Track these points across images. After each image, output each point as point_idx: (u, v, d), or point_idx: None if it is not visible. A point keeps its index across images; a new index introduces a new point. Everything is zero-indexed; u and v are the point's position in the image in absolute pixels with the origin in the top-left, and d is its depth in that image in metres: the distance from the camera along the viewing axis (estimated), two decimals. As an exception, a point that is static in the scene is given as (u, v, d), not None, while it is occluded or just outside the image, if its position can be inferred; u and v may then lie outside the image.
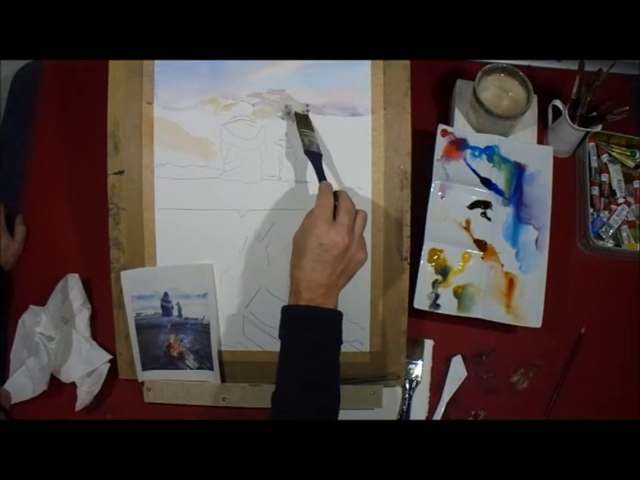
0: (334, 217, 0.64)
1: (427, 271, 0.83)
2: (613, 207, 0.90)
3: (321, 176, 0.70)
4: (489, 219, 0.85)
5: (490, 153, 0.86)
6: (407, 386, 0.83)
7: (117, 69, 0.78)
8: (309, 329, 0.64)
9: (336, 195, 0.67)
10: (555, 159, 0.86)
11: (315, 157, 0.73)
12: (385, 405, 0.82)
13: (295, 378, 0.63)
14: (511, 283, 0.83)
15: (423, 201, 0.83)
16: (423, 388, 0.83)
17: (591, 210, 0.89)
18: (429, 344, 0.85)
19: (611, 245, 0.89)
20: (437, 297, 0.82)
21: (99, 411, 0.82)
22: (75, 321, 0.84)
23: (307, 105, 0.77)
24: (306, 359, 0.63)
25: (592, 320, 0.87)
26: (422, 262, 0.82)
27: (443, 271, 0.83)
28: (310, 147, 0.73)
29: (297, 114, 0.76)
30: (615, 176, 0.92)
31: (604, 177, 0.92)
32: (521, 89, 0.89)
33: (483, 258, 0.83)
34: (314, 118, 0.77)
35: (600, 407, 0.83)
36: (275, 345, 0.79)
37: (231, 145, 0.78)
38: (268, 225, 0.78)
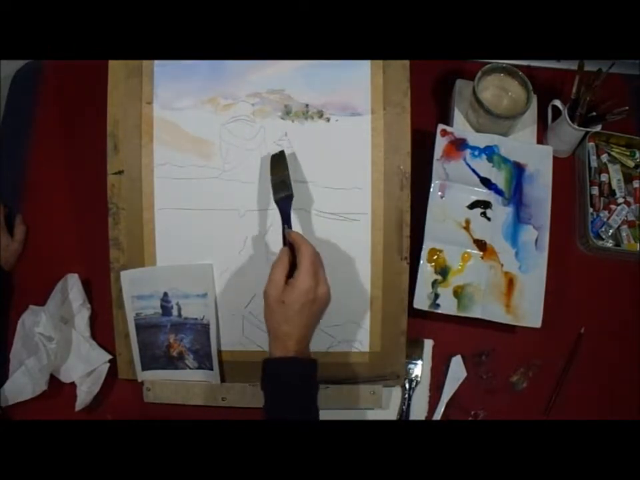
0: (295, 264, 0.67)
1: (426, 270, 0.83)
2: (613, 206, 0.90)
3: (289, 222, 0.70)
4: (488, 219, 0.85)
5: (490, 152, 0.86)
6: (407, 386, 0.83)
7: (117, 68, 0.78)
8: (300, 381, 0.65)
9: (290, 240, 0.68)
10: (555, 158, 0.86)
11: (286, 202, 0.71)
12: (385, 405, 0.82)
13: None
14: (510, 283, 0.83)
15: (423, 201, 0.83)
16: (422, 388, 0.83)
17: (591, 210, 0.89)
18: (428, 344, 0.85)
19: (611, 244, 0.89)
20: (437, 296, 0.82)
21: (98, 411, 0.82)
22: (75, 321, 0.84)
23: (307, 105, 0.77)
24: (295, 411, 0.64)
25: (591, 320, 0.87)
26: (422, 262, 0.82)
27: (443, 271, 0.83)
28: (282, 193, 0.71)
29: (273, 156, 0.74)
30: (614, 176, 0.92)
31: (604, 177, 0.92)
32: (521, 88, 0.89)
33: (482, 258, 0.83)
34: (314, 118, 0.77)
35: (599, 407, 0.83)
36: (274, 345, 0.79)
37: (230, 144, 0.78)
38: (267, 225, 0.78)
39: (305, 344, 0.66)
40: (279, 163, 0.73)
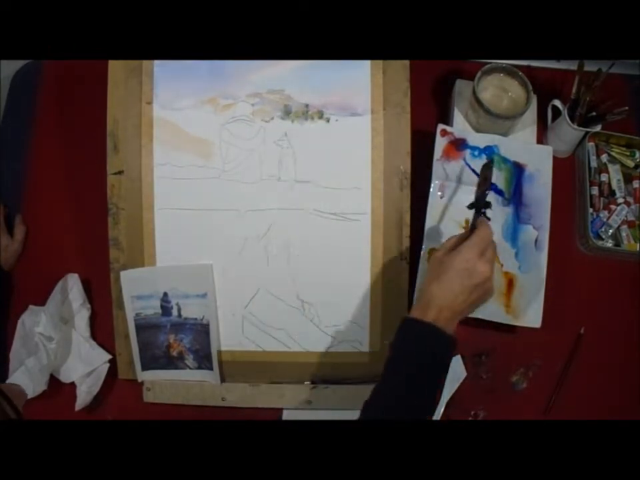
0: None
1: (426, 270, 0.82)
2: (613, 206, 0.90)
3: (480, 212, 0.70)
4: (488, 219, 0.84)
5: (489, 152, 0.86)
6: (407, 386, 0.83)
7: (117, 68, 0.78)
8: (427, 350, 0.63)
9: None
10: (555, 158, 0.86)
11: (482, 196, 0.70)
12: (385, 405, 0.82)
13: (397, 394, 0.62)
14: (510, 283, 0.83)
15: (423, 201, 0.83)
16: (422, 388, 0.83)
17: (591, 210, 0.89)
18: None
19: (611, 244, 0.89)
20: (437, 296, 0.82)
21: (98, 411, 0.82)
22: (75, 321, 0.84)
23: (307, 105, 0.78)
24: (413, 379, 0.62)
25: (591, 320, 0.87)
26: (422, 262, 0.82)
27: (443, 271, 0.83)
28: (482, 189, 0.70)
29: (485, 166, 0.72)
30: (614, 176, 0.92)
31: (603, 177, 0.92)
32: (521, 88, 0.89)
33: (482, 258, 0.83)
34: (313, 118, 0.77)
35: (599, 406, 0.83)
36: (274, 345, 0.80)
37: (230, 144, 0.78)
38: (267, 225, 0.78)
39: (447, 315, 0.63)
40: (487, 170, 0.71)
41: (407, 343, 0.64)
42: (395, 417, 0.61)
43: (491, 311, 0.82)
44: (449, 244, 0.68)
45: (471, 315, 0.81)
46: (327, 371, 0.80)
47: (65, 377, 0.81)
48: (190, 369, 0.81)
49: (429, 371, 0.63)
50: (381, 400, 0.63)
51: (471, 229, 0.68)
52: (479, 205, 0.70)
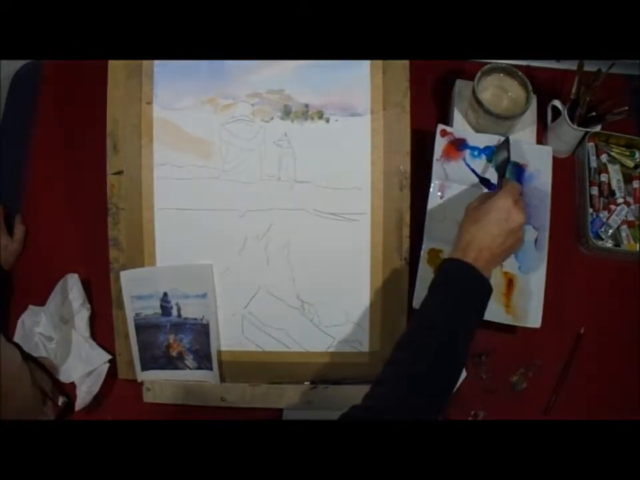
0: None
1: (426, 271, 0.82)
2: (612, 207, 0.90)
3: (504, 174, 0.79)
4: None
5: (489, 153, 0.86)
6: (407, 386, 0.83)
7: (117, 68, 0.78)
8: (467, 289, 0.66)
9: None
10: (555, 158, 0.86)
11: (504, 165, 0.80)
12: (385, 405, 0.82)
13: (434, 326, 0.64)
14: (510, 283, 0.83)
15: (423, 201, 0.83)
16: (422, 388, 0.83)
17: (590, 210, 0.89)
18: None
19: (610, 245, 0.89)
20: (437, 297, 0.82)
21: (98, 411, 0.82)
22: (75, 321, 0.84)
23: (307, 105, 0.78)
24: (451, 315, 0.65)
25: (591, 320, 0.87)
26: (421, 262, 0.82)
27: (443, 271, 0.83)
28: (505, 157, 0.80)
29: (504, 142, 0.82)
30: (614, 176, 0.92)
31: (603, 177, 0.92)
32: (521, 89, 0.89)
33: (482, 258, 0.83)
34: (313, 118, 0.77)
35: (599, 406, 0.83)
36: (274, 345, 0.80)
37: (230, 144, 0.78)
38: (267, 225, 0.78)
39: (485, 257, 0.67)
40: (504, 146, 0.81)
41: (448, 282, 0.67)
42: (435, 347, 0.63)
43: (491, 311, 0.81)
44: (483, 196, 0.72)
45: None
46: (327, 371, 0.80)
47: (65, 377, 0.81)
48: (190, 369, 0.81)
49: (468, 311, 0.66)
50: (423, 328, 0.64)
51: (499, 187, 0.74)
52: (501, 173, 0.79)
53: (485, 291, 0.67)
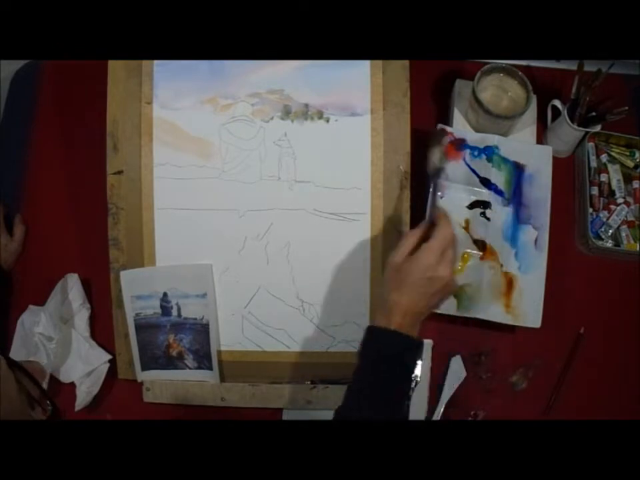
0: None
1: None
2: (612, 207, 0.90)
3: (436, 197, 0.70)
4: (488, 219, 0.85)
5: (489, 152, 0.86)
6: (407, 386, 0.83)
7: (116, 68, 0.78)
8: (394, 355, 0.63)
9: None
10: (555, 158, 0.86)
11: (437, 175, 0.70)
12: (385, 405, 0.82)
13: (368, 397, 0.63)
14: (510, 283, 0.83)
15: (423, 201, 0.83)
16: (422, 388, 0.83)
17: (590, 210, 0.89)
18: (428, 344, 0.85)
19: (610, 244, 0.89)
20: (437, 297, 0.82)
21: (98, 411, 0.82)
22: (74, 321, 0.84)
23: (307, 105, 0.78)
24: (383, 383, 0.63)
25: (591, 320, 0.87)
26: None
27: (443, 271, 0.83)
28: (436, 165, 0.69)
29: (432, 134, 0.72)
30: (614, 176, 0.92)
31: (603, 177, 0.92)
32: (520, 88, 0.89)
33: (482, 258, 0.83)
34: (313, 118, 0.77)
35: (599, 406, 0.83)
36: (273, 345, 0.80)
37: (230, 144, 0.78)
38: (267, 225, 0.78)
39: (410, 320, 0.63)
40: (434, 138, 0.71)
41: (374, 351, 0.64)
42: (372, 418, 0.62)
43: (491, 310, 0.82)
44: (406, 247, 0.65)
45: (470, 315, 0.81)
46: (327, 371, 0.80)
47: (65, 377, 0.81)
48: (190, 368, 0.81)
49: (399, 376, 0.64)
50: (358, 403, 0.63)
51: (429, 221, 0.66)
52: (435, 181, 0.70)
53: (413, 349, 0.64)
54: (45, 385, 0.79)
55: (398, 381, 0.64)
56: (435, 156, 0.69)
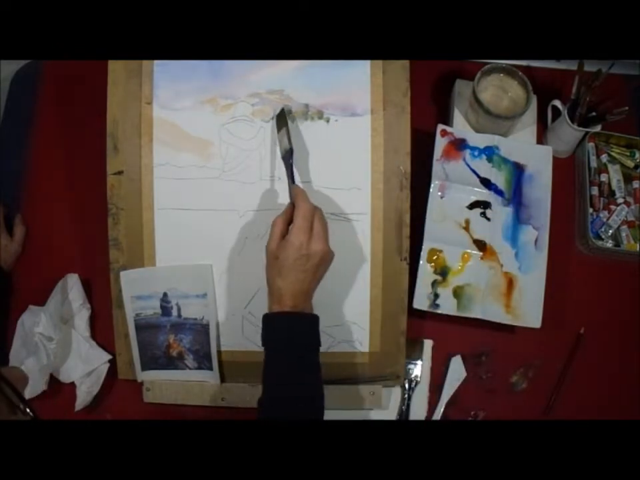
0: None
1: (426, 271, 0.83)
2: (613, 207, 0.90)
3: (292, 177, 0.73)
4: (488, 219, 0.85)
5: (489, 153, 0.86)
6: (407, 386, 0.83)
7: (116, 69, 0.78)
8: (296, 335, 0.66)
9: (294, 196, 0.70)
10: (555, 159, 0.86)
11: (287, 157, 0.73)
12: (385, 405, 0.82)
13: (284, 382, 0.65)
14: (510, 283, 0.83)
15: (423, 201, 0.83)
16: (422, 388, 0.83)
17: (591, 210, 0.89)
18: (428, 344, 0.85)
19: (610, 245, 0.89)
20: (437, 297, 0.82)
21: (98, 411, 0.82)
22: (75, 321, 0.84)
23: (307, 105, 0.77)
24: (293, 364, 0.65)
25: (591, 320, 0.87)
26: (421, 262, 0.82)
27: (443, 271, 0.83)
28: (287, 147, 0.73)
29: (277, 116, 0.76)
30: (614, 176, 0.92)
31: (603, 177, 0.92)
32: (520, 89, 0.89)
33: (482, 258, 0.83)
34: (313, 118, 0.77)
35: (599, 407, 0.83)
36: (274, 345, 0.79)
37: (230, 145, 0.78)
38: (267, 225, 0.78)
39: (301, 299, 0.66)
40: (280, 120, 0.75)
41: (276, 334, 0.67)
42: (293, 400, 0.64)
43: (491, 311, 0.82)
44: (276, 233, 0.68)
45: (470, 315, 0.81)
46: (327, 371, 0.80)
47: (65, 377, 0.81)
48: (190, 369, 0.81)
49: (306, 349, 0.66)
50: (277, 389, 0.65)
51: (290, 203, 0.70)
52: (287, 171, 0.72)
53: (312, 324, 0.67)
54: (44, 386, 0.79)
55: (307, 356, 0.66)
56: (284, 137, 0.73)
